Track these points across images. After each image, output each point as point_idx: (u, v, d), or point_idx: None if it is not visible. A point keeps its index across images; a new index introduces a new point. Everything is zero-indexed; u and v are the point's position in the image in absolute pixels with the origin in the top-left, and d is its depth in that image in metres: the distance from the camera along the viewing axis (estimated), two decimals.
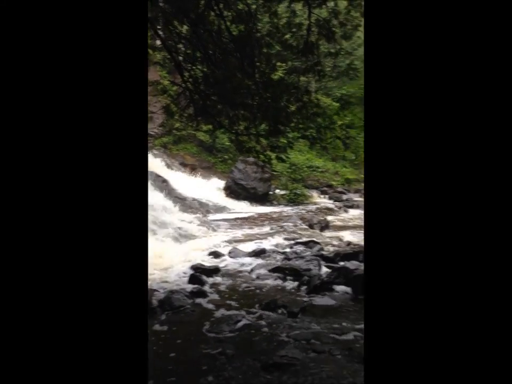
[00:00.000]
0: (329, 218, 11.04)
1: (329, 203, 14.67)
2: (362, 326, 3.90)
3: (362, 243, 7.55)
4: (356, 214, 12.30)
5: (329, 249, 7.15)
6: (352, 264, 5.70)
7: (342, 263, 5.97)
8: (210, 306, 4.50)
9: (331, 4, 5.29)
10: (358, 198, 15.71)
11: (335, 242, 8.03)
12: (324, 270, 5.77)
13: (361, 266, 5.52)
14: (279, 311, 4.27)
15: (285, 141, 6.66)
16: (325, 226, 9.92)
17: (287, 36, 5.72)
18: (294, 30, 5.62)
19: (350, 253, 6.42)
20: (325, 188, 17.48)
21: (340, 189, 17.44)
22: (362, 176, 19.37)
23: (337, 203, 14.47)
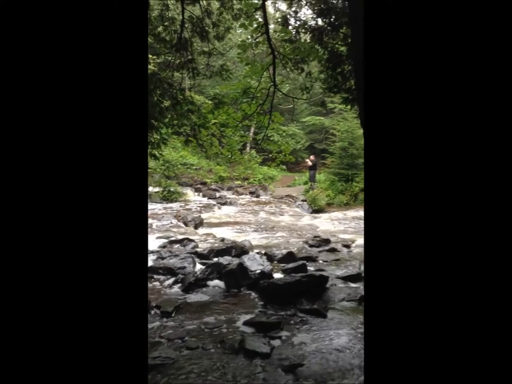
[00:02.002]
0: (203, 215, 11.16)
1: (203, 200, 14.83)
2: (233, 316, 4.07)
3: (234, 238, 7.85)
4: (229, 211, 12.71)
5: (203, 246, 7.23)
6: (225, 260, 5.87)
7: (215, 259, 6.10)
8: None
9: (204, 3, 5.33)
10: (231, 196, 16.26)
11: (209, 239, 8.16)
12: (198, 267, 5.81)
13: (234, 260, 5.74)
14: (153, 312, 4.15)
15: (158, 137, 6.48)
16: (199, 223, 10.00)
17: (160, 29, 5.57)
18: (166, 23, 5.50)
19: (223, 249, 6.61)
20: (199, 186, 17.60)
21: (213, 187, 17.78)
22: (235, 174, 20.11)
23: (211, 200, 14.72)
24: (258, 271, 5.19)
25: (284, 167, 19.47)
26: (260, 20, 4.73)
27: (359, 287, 5.11)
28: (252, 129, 21.07)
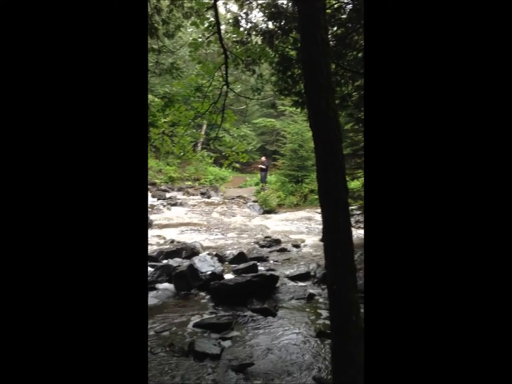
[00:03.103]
0: (153, 217, 10.86)
1: (153, 201, 14.43)
2: (183, 318, 4.00)
3: (185, 240, 7.72)
4: (180, 212, 12.48)
5: (152, 248, 7.04)
6: (175, 262, 5.76)
7: (165, 261, 5.97)
8: None
9: (153, 0, 5.21)
10: (182, 196, 15.98)
11: (158, 241, 7.96)
12: (148, 269, 5.65)
13: (184, 262, 5.65)
14: None
15: None
16: (148, 225, 9.73)
17: None
18: None
19: (173, 251, 6.48)
20: (149, 186, 17.12)
21: (163, 187, 17.37)
22: (186, 174, 19.80)
23: (160, 201, 14.37)
24: (209, 272, 5.15)
25: (237, 165, 19.46)
26: (212, 19, 4.71)
27: (307, 285, 5.24)
28: (204, 129, 20.88)
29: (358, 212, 10.21)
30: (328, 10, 5.00)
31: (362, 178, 10.61)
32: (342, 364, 1.79)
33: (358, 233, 9.39)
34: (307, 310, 4.38)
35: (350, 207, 10.19)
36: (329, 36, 5.59)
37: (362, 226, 9.63)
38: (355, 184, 11.14)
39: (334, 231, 2.05)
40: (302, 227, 10.32)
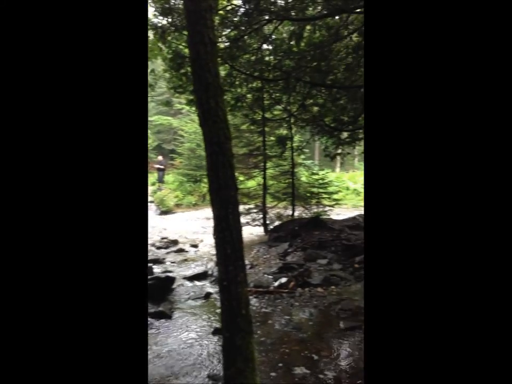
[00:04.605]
0: None
1: None
2: None
3: None
4: None
5: None
6: None
7: None
8: None
9: None
10: None
11: None
12: None
13: None
14: None
15: None
16: None
17: None
18: None
19: None
20: None
21: None
22: None
23: None
24: None
25: None
26: None
27: (205, 284, 5.25)
28: None
29: (255, 210, 10.58)
30: (221, 12, 5.07)
31: (259, 178, 11.03)
32: (231, 358, 1.83)
33: (257, 232, 9.74)
34: (204, 309, 4.39)
35: (247, 206, 10.50)
36: (223, 37, 5.68)
37: (259, 224, 10.01)
38: (251, 183, 11.51)
39: (224, 229, 2.09)
40: (200, 226, 10.30)
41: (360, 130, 8.67)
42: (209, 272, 5.63)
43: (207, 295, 4.75)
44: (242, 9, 5.30)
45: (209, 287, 5.12)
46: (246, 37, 5.65)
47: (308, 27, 6.58)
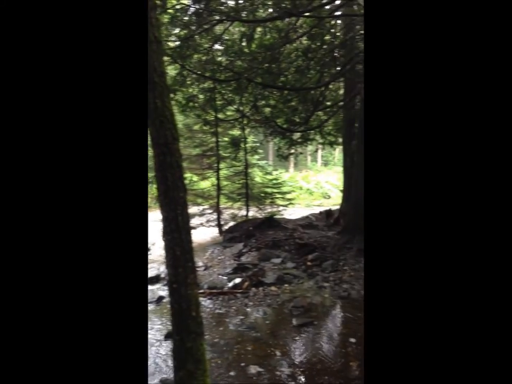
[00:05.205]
0: None
1: None
2: None
3: None
4: None
5: None
6: None
7: None
8: None
9: None
10: None
11: None
12: None
13: None
14: None
15: None
16: None
17: None
18: None
19: None
20: None
21: None
22: None
23: None
24: None
25: None
26: None
27: (157, 288, 5.14)
28: None
29: (209, 211, 10.51)
30: (171, 10, 5.00)
31: (213, 178, 10.97)
32: (182, 360, 1.81)
33: (212, 233, 9.67)
34: (156, 313, 4.29)
35: (201, 207, 10.38)
36: (173, 36, 5.60)
37: (213, 225, 9.96)
38: (206, 184, 11.42)
39: (173, 231, 2.06)
40: (152, 229, 10.05)
41: (312, 131, 8.90)
42: (162, 275, 5.52)
43: (160, 299, 4.65)
44: (192, 9, 5.25)
45: (161, 290, 5.02)
46: (196, 36, 5.60)
47: (259, 29, 6.65)
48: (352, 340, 3.48)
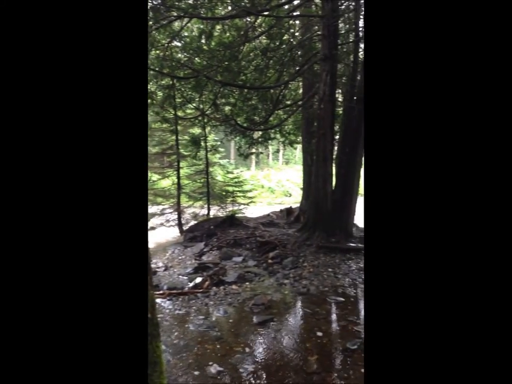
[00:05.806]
0: None
1: None
2: None
3: None
4: None
5: None
6: None
7: None
8: None
9: None
10: None
11: None
12: None
13: None
14: None
15: None
16: None
17: None
18: None
19: None
20: None
21: None
22: None
23: None
24: None
25: None
26: None
27: None
28: None
29: (170, 211, 10.34)
30: None
31: (174, 177, 10.79)
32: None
33: (173, 233, 9.51)
34: None
35: (161, 206, 10.22)
36: None
37: (174, 225, 9.81)
38: (166, 183, 11.22)
39: None
40: None
41: (272, 130, 8.98)
42: None
43: None
44: (148, 4, 5.13)
45: None
46: (154, 32, 5.48)
47: (218, 27, 6.61)
48: (312, 334, 3.55)
